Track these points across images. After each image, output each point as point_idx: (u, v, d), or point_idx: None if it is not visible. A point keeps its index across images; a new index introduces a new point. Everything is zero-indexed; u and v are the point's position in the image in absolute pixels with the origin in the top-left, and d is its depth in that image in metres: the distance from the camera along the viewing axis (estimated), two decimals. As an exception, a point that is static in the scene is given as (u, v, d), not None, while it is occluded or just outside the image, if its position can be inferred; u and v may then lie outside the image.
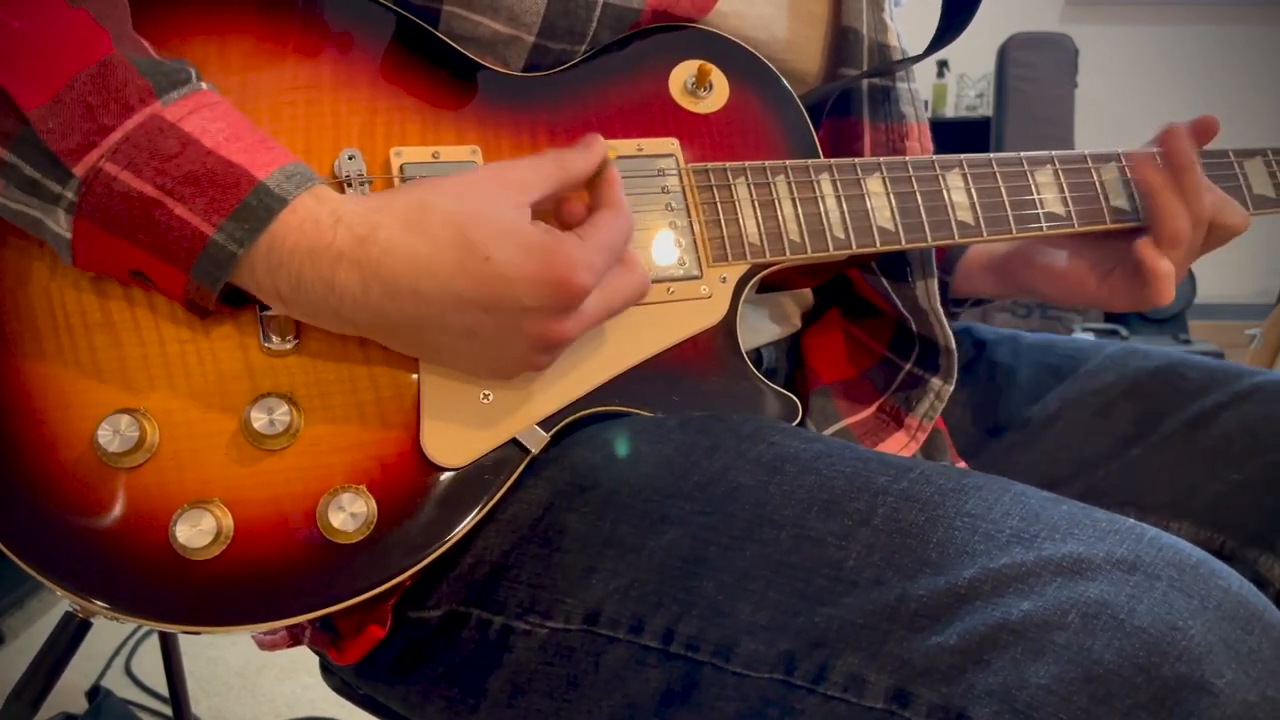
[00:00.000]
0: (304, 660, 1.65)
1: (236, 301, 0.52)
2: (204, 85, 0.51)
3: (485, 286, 0.49)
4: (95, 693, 1.43)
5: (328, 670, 0.70)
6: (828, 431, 0.72)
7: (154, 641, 1.69)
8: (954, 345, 0.73)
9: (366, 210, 0.50)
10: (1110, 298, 0.76)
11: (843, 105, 0.73)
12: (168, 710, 1.53)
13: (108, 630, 1.67)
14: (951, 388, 0.73)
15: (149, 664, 1.68)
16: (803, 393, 0.75)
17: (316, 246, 0.49)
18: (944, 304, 0.75)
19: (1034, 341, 0.84)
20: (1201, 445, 0.72)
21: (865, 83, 0.72)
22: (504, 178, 0.53)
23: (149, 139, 0.48)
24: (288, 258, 0.49)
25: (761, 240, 0.64)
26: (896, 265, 0.73)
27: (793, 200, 0.65)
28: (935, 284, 0.72)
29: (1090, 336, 2.68)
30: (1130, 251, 0.72)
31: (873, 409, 0.75)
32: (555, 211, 0.57)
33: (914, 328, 0.75)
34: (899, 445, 0.72)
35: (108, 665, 1.68)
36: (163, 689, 1.55)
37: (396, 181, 0.57)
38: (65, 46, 0.48)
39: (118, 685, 1.60)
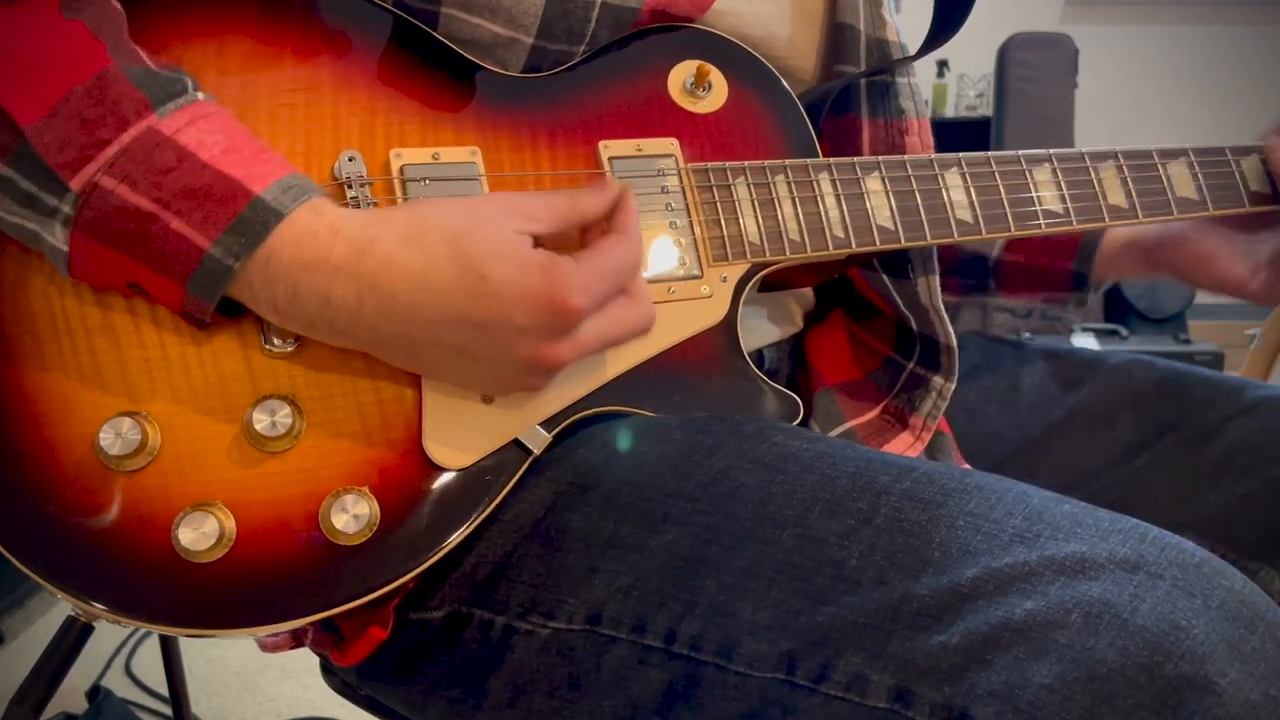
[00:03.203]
0: (304, 660, 1.65)
1: (233, 312, 0.52)
2: (200, 95, 0.51)
3: (479, 303, 0.49)
4: (95, 693, 1.43)
5: (328, 671, 0.69)
6: (832, 433, 0.72)
7: (154, 641, 1.69)
8: (955, 343, 0.73)
9: (365, 224, 0.50)
10: (1261, 290, 0.76)
11: (841, 102, 0.73)
12: (168, 710, 1.53)
13: (108, 630, 1.67)
14: (954, 385, 0.73)
15: (149, 664, 1.68)
16: (806, 393, 0.75)
17: (313, 260, 0.49)
18: (1067, 291, 0.74)
19: (1040, 350, 0.84)
20: (1205, 458, 0.72)
21: (863, 79, 0.72)
22: (510, 204, 0.52)
23: (145, 153, 0.48)
24: (284, 271, 0.49)
25: (761, 240, 0.64)
26: (897, 262, 0.73)
27: (792, 200, 0.65)
28: (936, 281, 0.72)
29: (1091, 337, 2.68)
30: None
31: (877, 410, 0.75)
32: (579, 242, 0.56)
33: (913, 326, 0.75)
34: (904, 446, 0.72)
35: (108, 665, 1.68)
36: (163, 689, 1.55)
37: (397, 183, 0.57)
38: (61, 59, 0.48)
39: (118, 685, 1.60)
